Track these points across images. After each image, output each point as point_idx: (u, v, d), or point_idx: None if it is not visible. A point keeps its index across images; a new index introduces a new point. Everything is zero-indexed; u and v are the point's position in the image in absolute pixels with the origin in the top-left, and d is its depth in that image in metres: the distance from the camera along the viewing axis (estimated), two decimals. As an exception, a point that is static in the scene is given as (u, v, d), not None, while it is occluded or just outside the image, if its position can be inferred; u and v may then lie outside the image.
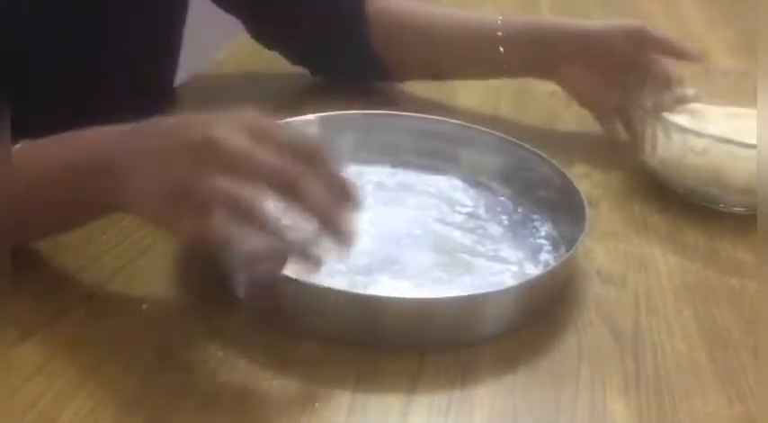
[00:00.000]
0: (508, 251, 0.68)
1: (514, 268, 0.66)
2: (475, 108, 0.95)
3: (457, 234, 0.70)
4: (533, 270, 0.65)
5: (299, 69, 0.95)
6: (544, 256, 0.68)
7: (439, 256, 0.66)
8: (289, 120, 0.73)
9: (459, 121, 0.79)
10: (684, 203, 0.79)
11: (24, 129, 0.58)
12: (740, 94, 0.84)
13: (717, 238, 0.74)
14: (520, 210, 0.74)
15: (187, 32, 0.93)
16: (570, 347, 0.59)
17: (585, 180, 0.81)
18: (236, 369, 0.55)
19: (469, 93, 0.99)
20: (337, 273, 0.61)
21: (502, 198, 0.75)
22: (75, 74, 0.77)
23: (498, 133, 0.77)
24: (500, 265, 0.66)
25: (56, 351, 0.54)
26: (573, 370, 0.57)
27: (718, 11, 1.37)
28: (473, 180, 0.77)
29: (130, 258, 0.63)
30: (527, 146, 0.75)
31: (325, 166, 0.53)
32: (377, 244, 0.66)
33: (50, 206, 0.58)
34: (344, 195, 0.53)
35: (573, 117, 0.95)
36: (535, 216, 0.73)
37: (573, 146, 0.88)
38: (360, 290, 0.60)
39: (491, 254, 0.67)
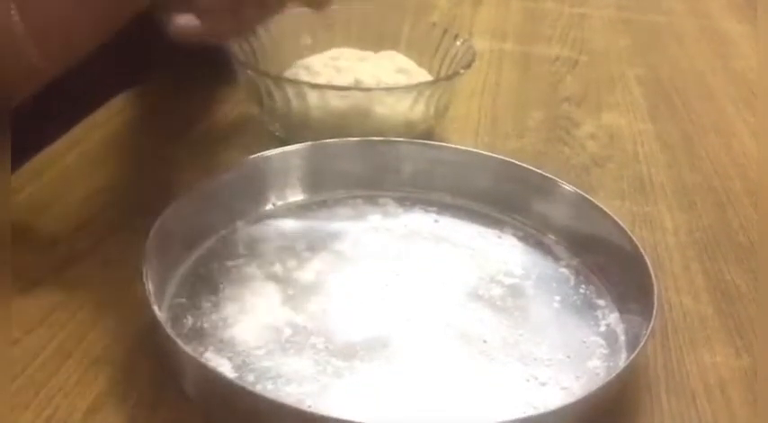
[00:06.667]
0: (545, 349, 0.52)
1: (545, 375, 0.50)
2: (477, 72, 0.94)
3: (486, 314, 0.55)
4: (572, 384, 0.49)
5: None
6: (593, 364, 0.51)
7: (448, 344, 0.52)
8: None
9: (540, 171, 0.64)
10: (692, 164, 0.78)
11: None
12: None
13: (724, 195, 0.74)
14: (582, 289, 0.58)
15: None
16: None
17: (592, 141, 0.81)
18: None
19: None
20: (310, 349, 0.50)
21: (563, 270, 0.60)
22: None
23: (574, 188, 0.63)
24: (525, 369, 0.50)
25: (58, 302, 0.54)
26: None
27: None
28: (535, 240, 0.63)
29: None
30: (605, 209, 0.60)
31: None
32: (375, 314, 0.54)
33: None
34: None
35: (577, 81, 0.94)
36: (601, 301, 0.57)
37: (577, 109, 0.88)
38: (329, 377, 0.48)
39: (520, 352, 0.52)
